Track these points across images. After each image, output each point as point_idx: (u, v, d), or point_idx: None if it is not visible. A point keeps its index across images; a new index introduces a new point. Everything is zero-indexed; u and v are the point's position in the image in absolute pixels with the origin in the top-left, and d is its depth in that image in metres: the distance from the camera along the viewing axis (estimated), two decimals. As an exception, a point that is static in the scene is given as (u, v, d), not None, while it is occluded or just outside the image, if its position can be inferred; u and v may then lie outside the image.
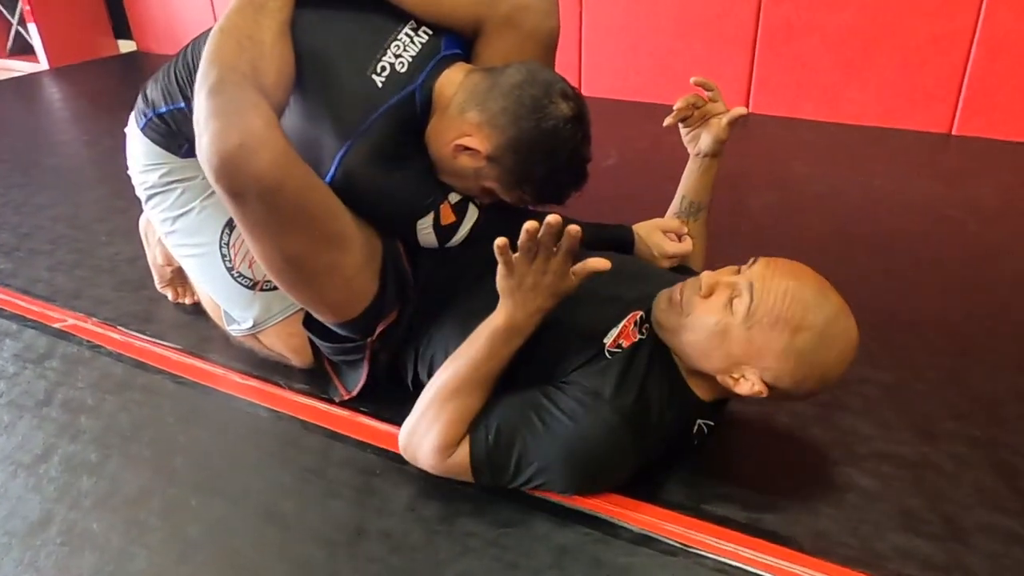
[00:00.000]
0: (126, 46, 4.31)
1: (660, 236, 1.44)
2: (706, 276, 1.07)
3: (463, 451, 1.10)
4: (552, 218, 0.98)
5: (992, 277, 1.77)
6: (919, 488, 1.16)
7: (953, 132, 2.64)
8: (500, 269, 1.04)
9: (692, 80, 1.38)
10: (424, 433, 1.12)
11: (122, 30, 4.26)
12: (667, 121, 1.37)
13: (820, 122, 2.78)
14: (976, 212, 2.08)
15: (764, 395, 1.04)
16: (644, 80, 3.03)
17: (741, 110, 1.36)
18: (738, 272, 1.07)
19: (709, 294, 1.06)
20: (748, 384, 1.04)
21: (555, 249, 1.02)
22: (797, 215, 2.12)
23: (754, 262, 1.06)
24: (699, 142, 1.41)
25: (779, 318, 1.00)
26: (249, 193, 1.03)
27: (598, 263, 1.05)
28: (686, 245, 1.43)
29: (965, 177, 2.33)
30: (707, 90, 1.38)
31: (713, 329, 1.04)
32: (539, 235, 1.00)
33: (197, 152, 1.05)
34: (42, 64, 3.98)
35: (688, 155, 1.45)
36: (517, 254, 1.02)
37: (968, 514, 1.11)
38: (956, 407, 1.33)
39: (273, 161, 1.02)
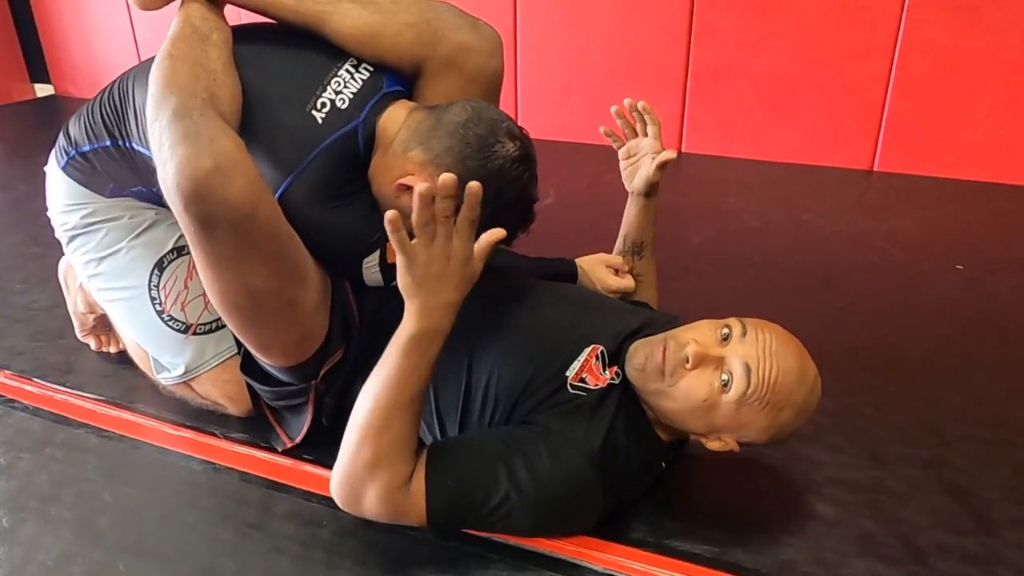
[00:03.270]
0: (43, 90, 4.15)
1: (603, 270, 1.44)
2: (692, 347, 1.02)
3: (418, 495, 1.02)
4: (446, 176, 0.89)
5: (919, 304, 1.83)
6: (875, 512, 1.16)
7: (875, 168, 2.77)
8: (400, 265, 0.95)
9: (626, 102, 1.39)
10: (365, 479, 1.01)
11: (39, 74, 4.11)
12: (601, 129, 1.41)
13: (750, 160, 2.88)
14: (900, 243, 2.17)
15: (736, 451, 1.06)
16: (578, 121, 3.08)
17: (669, 154, 1.35)
18: (724, 339, 1.03)
19: (696, 367, 1.02)
20: (721, 444, 1.06)
21: (454, 224, 0.93)
22: (733, 248, 2.16)
23: (744, 332, 1.03)
24: (633, 181, 1.42)
25: (769, 402, 1.01)
26: (220, 221, 0.96)
27: (495, 234, 0.96)
28: (628, 281, 1.44)
29: (888, 211, 2.43)
30: (648, 124, 1.39)
31: (700, 404, 1.03)
32: (435, 201, 0.90)
33: (161, 181, 0.98)
34: (-49, 108, 3.80)
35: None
36: (416, 240, 0.93)
37: (924, 536, 1.12)
38: (902, 430, 1.35)
39: (247, 186, 0.96)
